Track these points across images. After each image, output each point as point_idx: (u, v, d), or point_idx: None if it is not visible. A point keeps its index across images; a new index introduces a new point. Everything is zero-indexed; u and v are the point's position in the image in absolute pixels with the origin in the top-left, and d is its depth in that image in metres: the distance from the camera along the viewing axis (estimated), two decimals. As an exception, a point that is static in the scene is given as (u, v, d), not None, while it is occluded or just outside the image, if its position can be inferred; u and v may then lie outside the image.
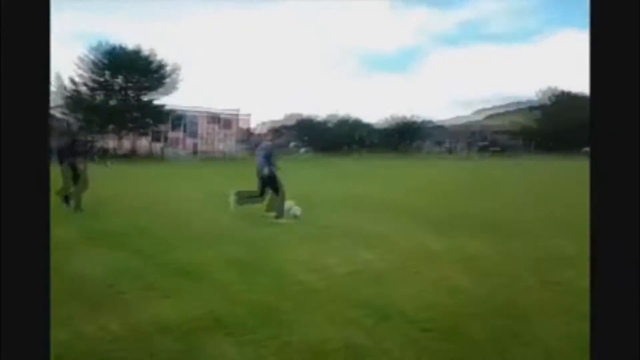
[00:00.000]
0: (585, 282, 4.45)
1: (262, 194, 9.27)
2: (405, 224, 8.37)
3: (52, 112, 48.54)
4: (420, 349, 3.22)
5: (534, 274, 5.12)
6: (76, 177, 10.33)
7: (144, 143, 57.38)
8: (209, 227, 8.08)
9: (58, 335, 3.42)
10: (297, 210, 8.93)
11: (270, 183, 9.07)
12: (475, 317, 3.80)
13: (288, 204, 8.98)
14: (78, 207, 10.12)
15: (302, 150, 39.77)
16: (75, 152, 10.83)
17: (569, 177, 20.56)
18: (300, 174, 18.36)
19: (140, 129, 50.93)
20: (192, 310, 3.96)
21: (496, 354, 3.18)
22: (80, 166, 10.51)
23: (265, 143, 9.82)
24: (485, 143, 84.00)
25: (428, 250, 6.30)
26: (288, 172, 10.36)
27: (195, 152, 66.40)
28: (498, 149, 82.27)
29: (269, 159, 9.09)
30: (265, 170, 9.02)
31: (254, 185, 9.49)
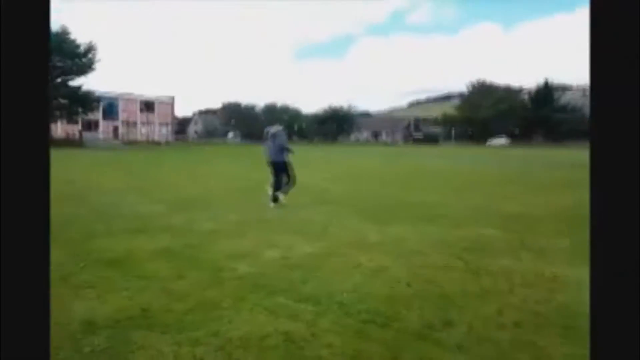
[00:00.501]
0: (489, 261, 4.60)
1: (281, 179, 9.35)
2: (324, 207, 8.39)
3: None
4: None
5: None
6: None
7: (59, 127, 53.81)
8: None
9: None
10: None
11: (285, 169, 9.33)
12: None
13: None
14: None
15: (230, 135, 38.90)
16: None
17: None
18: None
19: (69, 115, 47.85)
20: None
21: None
22: None
23: (277, 129, 9.57)
24: (420, 135, 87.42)
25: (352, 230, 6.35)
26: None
27: (116, 137, 63.22)
28: (420, 136, 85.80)
29: (283, 145, 9.36)
30: (284, 157, 9.30)
31: (190, 173, 9.14)
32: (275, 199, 9.17)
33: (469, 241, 6.16)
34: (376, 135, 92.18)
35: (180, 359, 2.88)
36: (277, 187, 9.27)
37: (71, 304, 3.77)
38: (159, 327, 3.35)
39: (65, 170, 17.03)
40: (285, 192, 9.32)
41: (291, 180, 9.41)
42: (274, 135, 9.39)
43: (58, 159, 22.08)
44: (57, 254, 5.30)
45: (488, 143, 75.19)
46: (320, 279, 4.51)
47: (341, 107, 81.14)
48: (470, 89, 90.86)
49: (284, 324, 3.41)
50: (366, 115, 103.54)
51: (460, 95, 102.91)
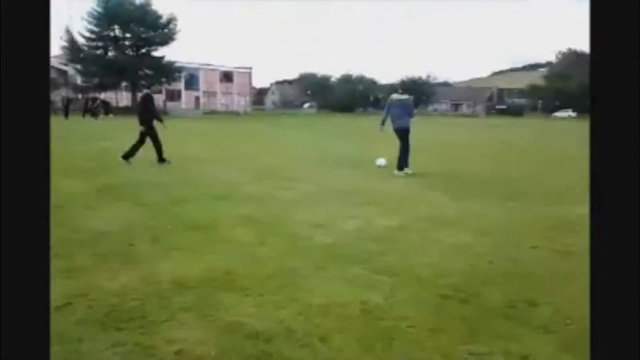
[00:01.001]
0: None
1: (406, 147, 9.49)
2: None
3: (61, 65, 48.09)
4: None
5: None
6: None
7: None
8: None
9: (70, 285, 3.41)
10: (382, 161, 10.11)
11: (406, 136, 9.46)
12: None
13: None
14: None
15: (306, 105, 38.87)
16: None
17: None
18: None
19: (153, 85, 50.47)
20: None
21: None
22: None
23: (404, 97, 9.69)
24: (503, 107, 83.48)
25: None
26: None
27: (197, 106, 65.69)
28: (504, 107, 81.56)
29: (410, 112, 9.53)
30: (408, 124, 9.43)
31: (269, 142, 9.39)
32: (401, 168, 9.31)
33: (556, 219, 5.84)
34: (456, 106, 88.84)
35: (262, 320, 3.00)
36: (404, 154, 9.39)
37: (161, 264, 4.03)
38: (241, 289, 3.51)
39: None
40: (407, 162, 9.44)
41: (407, 149, 9.48)
42: (401, 103, 9.43)
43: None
44: (146, 217, 5.68)
45: (554, 115, 71.43)
46: (398, 252, 4.48)
47: (419, 77, 78.87)
48: (560, 57, 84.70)
49: (361, 294, 3.45)
50: (446, 85, 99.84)
51: (548, 65, 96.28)
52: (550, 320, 3.09)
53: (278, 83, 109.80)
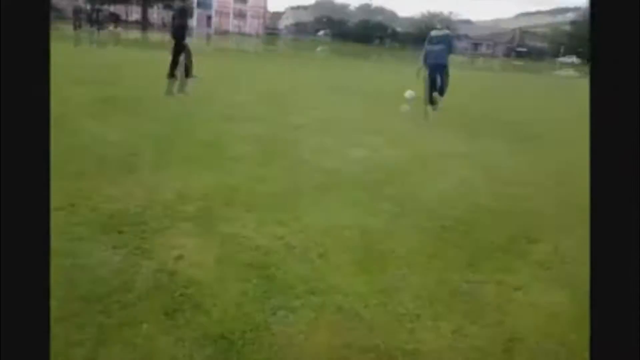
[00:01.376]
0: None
1: (437, 81, 9.26)
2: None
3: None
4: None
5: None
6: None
7: (155, 11, 54.82)
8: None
9: (71, 187, 3.43)
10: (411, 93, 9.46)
11: (444, 72, 9.25)
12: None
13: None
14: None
15: (319, 49, 37.46)
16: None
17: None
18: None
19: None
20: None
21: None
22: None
23: (446, 32, 9.46)
24: (524, 49, 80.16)
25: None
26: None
27: (208, 26, 63.76)
28: (525, 49, 78.90)
29: (450, 47, 9.29)
30: (446, 60, 9.20)
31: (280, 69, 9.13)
32: (432, 101, 9.14)
33: (565, 164, 5.76)
34: (476, 45, 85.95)
35: (262, 235, 3.03)
36: (434, 88, 9.18)
37: (167, 175, 4.03)
38: (244, 205, 3.51)
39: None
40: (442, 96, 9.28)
41: (445, 84, 9.29)
42: (440, 39, 9.23)
43: (154, 46, 22.89)
44: (160, 130, 5.64)
45: (558, 60, 68.21)
46: (403, 182, 4.46)
47: (440, 12, 75.68)
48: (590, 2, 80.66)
49: (363, 219, 3.45)
50: (467, 22, 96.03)
51: (577, 10, 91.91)
52: (548, 258, 3.10)
53: (293, 8, 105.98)
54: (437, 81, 9.20)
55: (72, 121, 5.61)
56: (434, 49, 9.18)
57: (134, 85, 9.33)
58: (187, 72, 9.71)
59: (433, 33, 9.43)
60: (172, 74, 9.40)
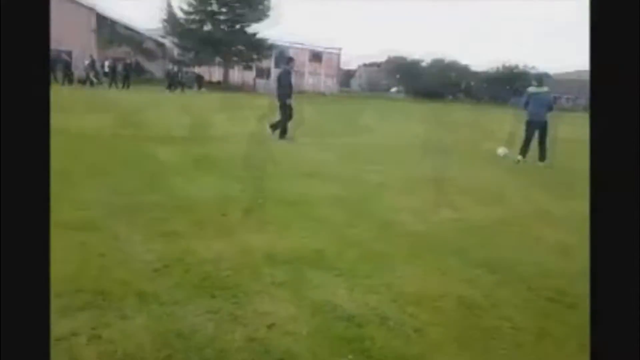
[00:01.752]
0: None
1: (532, 138, 9.68)
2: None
3: (160, 39, 50.62)
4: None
5: None
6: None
7: (236, 72, 57.90)
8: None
9: (165, 248, 3.52)
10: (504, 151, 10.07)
11: (544, 130, 9.59)
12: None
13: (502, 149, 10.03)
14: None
15: (394, 89, 37.80)
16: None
17: None
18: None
19: (244, 62, 51.13)
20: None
21: None
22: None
23: (542, 89, 9.79)
24: None
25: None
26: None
27: (286, 86, 66.24)
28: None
29: (550, 105, 9.71)
30: (546, 117, 9.55)
31: (358, 125, 9.31)
32: (542, 158, 9.44)
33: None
34: (555, 99, 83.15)
35: (354, 303, 2.92)
36: (542, 144, 9.48)
37: (254, 236, 4.07)
38: (332, 269, 3.44)
39: (240, 113, 18.50)
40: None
41: (545, 148, 9.55)
42: (539, 96, 9.54)
43: (234, 102, 24.14)
44: (236, 188, 5.78)
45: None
46: (496, 247, 4.21)
47: (516, 65, 74.22)
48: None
49: (457, 287, 3.26)
50: (545, 76, 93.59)
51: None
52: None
53: (366, 66, 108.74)
54: (533, 137, 9.52)
55: (165, 180, 5.92)
56: (535, 105, 9.43)
57: (220, 144, 9.77)
58: (283, 132, 10.40)
59: (531, 89, 9.68)
60: (275, 129, 10.34)
